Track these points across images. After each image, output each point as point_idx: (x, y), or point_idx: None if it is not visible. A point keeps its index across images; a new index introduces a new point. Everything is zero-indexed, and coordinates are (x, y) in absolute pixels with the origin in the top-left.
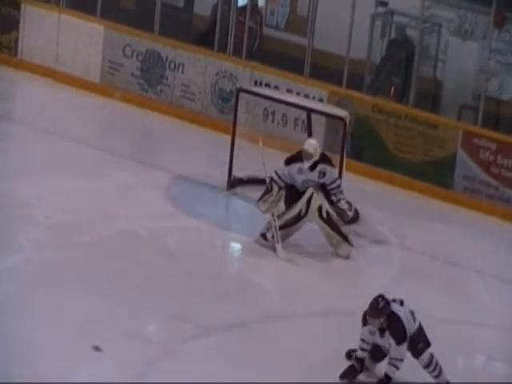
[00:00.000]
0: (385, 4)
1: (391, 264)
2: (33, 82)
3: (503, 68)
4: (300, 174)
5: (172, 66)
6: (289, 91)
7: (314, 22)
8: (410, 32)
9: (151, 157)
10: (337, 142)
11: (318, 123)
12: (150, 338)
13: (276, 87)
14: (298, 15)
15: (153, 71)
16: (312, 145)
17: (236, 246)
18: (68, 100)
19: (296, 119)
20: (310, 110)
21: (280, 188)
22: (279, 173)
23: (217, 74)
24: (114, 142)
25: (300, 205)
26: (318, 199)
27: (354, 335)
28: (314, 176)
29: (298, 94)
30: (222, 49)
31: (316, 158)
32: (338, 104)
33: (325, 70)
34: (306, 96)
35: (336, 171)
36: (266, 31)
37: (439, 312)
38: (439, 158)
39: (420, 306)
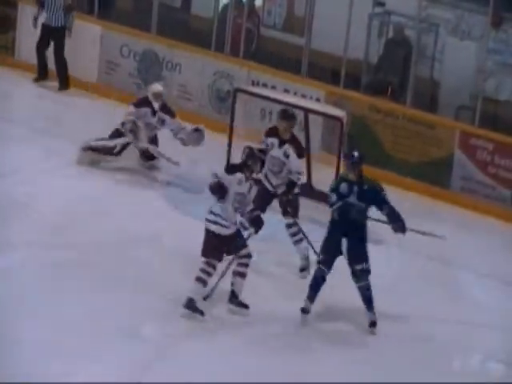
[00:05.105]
0: (382, 4)
1: (388, 264)
2: (29, 82)
3: (500, 68)
4: None
5: (169, 66)
6: (286, 91)
7: (312, 22)
8: (407, 32)
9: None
10: (334, 142)
11: (316, 123)
12: (147, 338)
13: (273, 87)
14: (295, 15)
15: (150, 71)
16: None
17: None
18: (65, 100)
19: None
20: (307, 110)
21: None
22: None
23: (214, 74)
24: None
25: None
26: None
27: (353, 335)
28: None
29: (295, 94)
30: (219, 49)
31: None
32: (336, 104)
33: (322, 69)
34: (304, 96)
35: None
36: (264, 31)
37: (436, 312)
38: (436, 158)
39: (417, 305)
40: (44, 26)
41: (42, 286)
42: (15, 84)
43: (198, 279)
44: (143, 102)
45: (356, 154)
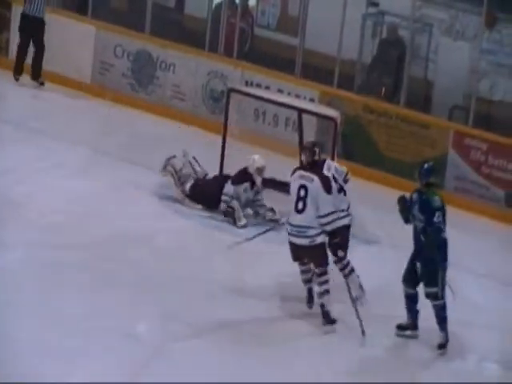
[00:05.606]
0: (376, 4)
1: (383, 264)
2: (24, 83)
3: (494, 68)
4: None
5: (163, 66)
6: (280, 91)
7: (305, 22)
8: (401, 32)
9: (142, 157)
10: (328, 142)
11: (309, 123)
12: (143, 338)
13: (267, 87)
14: (288, 15)
15: (144, 71)
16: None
17: (227, 247)
18: (59, 100)
19: (287, 119)
20: (300, 110)
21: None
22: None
23: (208, 74)
24: (104, 143)
25: None
26: None
27: (344, 336)
28: None
29: (289, 94)
30: (213, 49)
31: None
32: (329, 104)
33: (316, 70)
34: (297, 96)
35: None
36: (257, 31)
37: (431, 312)
38: (430, 158)
39: None
40: (23, 17)
41: (40, 286)
42: (8, 84)
43: (323, 292)
44: (242, 177)
45: (425, 165)
